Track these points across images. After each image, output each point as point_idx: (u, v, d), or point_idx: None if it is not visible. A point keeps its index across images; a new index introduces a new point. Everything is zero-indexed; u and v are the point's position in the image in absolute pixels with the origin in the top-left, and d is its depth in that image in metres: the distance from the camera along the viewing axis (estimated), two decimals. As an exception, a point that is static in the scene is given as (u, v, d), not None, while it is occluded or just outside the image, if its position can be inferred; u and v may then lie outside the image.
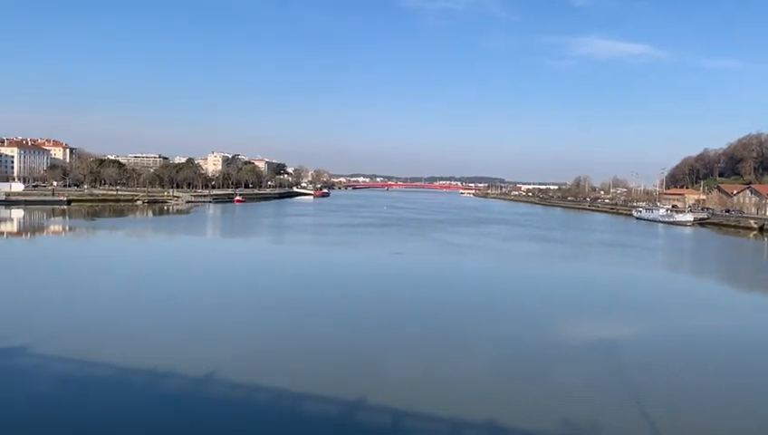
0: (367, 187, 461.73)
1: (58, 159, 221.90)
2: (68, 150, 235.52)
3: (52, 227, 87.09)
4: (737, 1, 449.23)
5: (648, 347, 28.32)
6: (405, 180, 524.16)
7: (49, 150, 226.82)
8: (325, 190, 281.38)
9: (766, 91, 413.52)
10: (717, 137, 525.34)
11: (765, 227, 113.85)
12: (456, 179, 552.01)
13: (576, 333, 30.50)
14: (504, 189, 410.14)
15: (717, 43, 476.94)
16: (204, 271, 48.69)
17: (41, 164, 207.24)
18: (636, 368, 24.39)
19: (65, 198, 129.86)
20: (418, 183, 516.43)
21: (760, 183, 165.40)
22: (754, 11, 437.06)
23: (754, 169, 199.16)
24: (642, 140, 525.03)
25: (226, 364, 22.12)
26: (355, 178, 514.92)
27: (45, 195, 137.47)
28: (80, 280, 41.73)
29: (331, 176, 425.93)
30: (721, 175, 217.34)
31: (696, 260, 74.72)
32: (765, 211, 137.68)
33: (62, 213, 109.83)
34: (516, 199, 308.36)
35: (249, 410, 18.71)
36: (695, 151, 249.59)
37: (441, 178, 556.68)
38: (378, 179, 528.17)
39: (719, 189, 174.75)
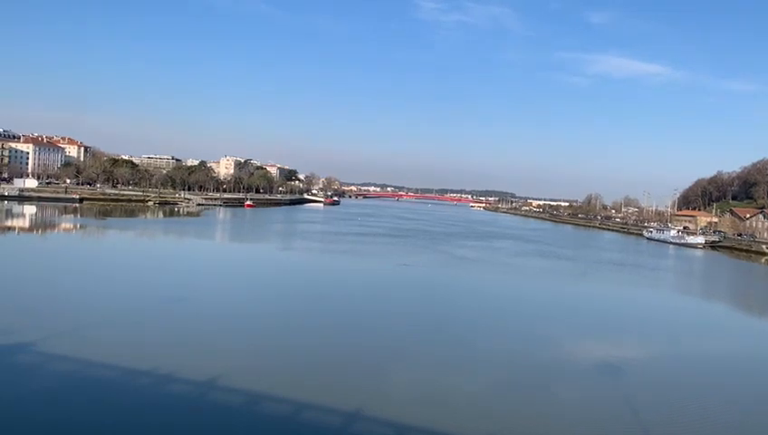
0: (377, 196, 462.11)
1: (72, 157, 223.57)
2: (82, 149, 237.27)
3: (62, 225, 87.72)
4: (754, 25, 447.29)
5: (654, 370, 28.01)
6: (416, 191, 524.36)
7: (64, 148, 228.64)
8: (335, 198, 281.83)
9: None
10: (731, 160, 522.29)
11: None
12: (466, 192, 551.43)
13: (582, 351, 30.24)
14: (514, 204, 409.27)
15: (734, 65, 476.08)
16: (211, 275, 48.82)
17: (55, 161, 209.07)
18: (642, 391, 24.12)
19: (78, 197, 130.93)
20: (429, 195, 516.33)
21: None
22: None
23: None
24: (655, 161, 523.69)
25: (230, 370, 22.08)
26: (366, 187, 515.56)
27: (58, 192, 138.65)
28: (87, 279, 41.91)
29: (341, 184, 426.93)
30: (734, 198, 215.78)
31: (706, 283, 74.05)
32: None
33: (74, 211, 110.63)
34: (527, 215, 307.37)
35: (250, 416, 18.64)
36: (708, 173, 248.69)
37: (452, 191, 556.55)
38: (388, 189, 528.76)
39: (732, 213, 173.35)
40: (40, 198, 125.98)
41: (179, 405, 19.28)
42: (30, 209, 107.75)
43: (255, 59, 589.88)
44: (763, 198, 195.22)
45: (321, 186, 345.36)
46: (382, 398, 21.13)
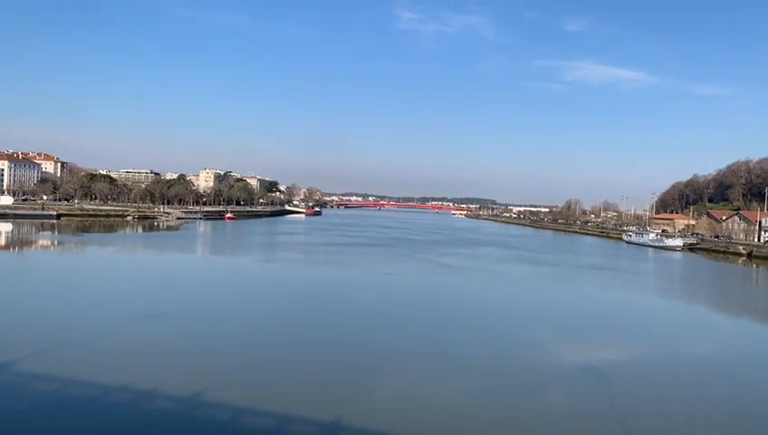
0: (359, 206, 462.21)
1: (49, 173, 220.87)
2: (59, 164, 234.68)
3: (39, 242, 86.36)
4: (728, 30, 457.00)
5: (638, 372, 28.24)
6: (397, 200, 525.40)
7: (40, 164, 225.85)
8: (317, 209, 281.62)
9: (754, 119, 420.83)
10: (707, 163, 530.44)
11: (754, 253, 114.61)
12: (448, 200, 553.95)
13: (566, 356, 30.37)
14: (495, 211, 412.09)
15: (708, 70, 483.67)
16: (191, 289, 48.34)
17: (31, 178, 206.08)
18: (626, 393, 24.31)
19: (55, 213, 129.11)
20: (411, 203, 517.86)
21: (748, 209, 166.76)
22: (744, 40, 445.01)
23: (743, 195, 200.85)
24: (633, 165, 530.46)
25: (213, 384, 21.78)
26: (347, 197, 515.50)
27: (35, 209, 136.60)
28: (64, 296, 41.23)
29: (323, 194, 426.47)
30: (710, 200, 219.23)
31: (686, 285, 74.96)
32: (754, 237, 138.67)
33: (51, 227, 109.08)
34: (508, 221, 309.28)
35: (235, 431, 18.43)
36: (684, 177, 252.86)
37: (433, 199, 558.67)
38: (370, 199, 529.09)
39: (708, 215, 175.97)
40: (16, 216, 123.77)
41: (162, 421, 18.95)
42: (6, 227, 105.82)
43: (235, 71, 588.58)
44: (739, 199, 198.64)
45: (302, 197, 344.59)
46: (368, 408, 21.00)
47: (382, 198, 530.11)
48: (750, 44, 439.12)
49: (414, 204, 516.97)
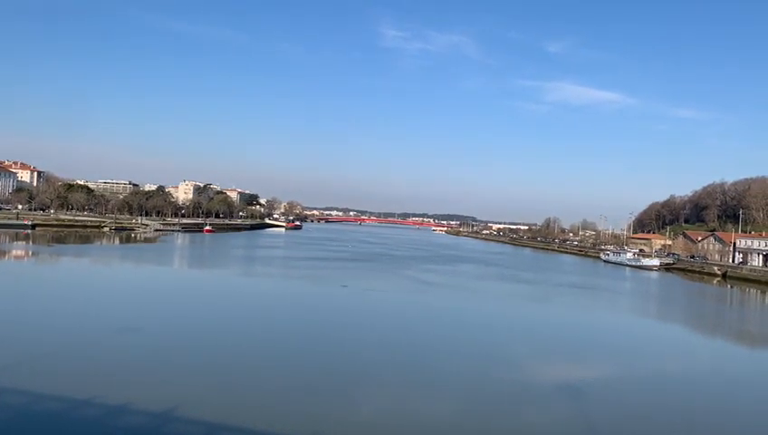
0: (340, 220, 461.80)
1: (25, 182, 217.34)
2: (35, 174, 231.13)
3: (12, 252, 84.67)
4: (703, 56, 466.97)
5: (614, 390, 28.27)
6: (378, 215, 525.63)
7: (16, 173, 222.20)
8: (297, 223, 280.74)
9: (730, 142, 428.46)
10: (683, 184, 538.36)
11: (728, 273, 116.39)
12: (428, 216, 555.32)
13: (545, 375, 30.37)
14: (475, 228, 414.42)
15: (686, 93, 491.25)
16: (167, 304, 47.62)
17: (6, 186, 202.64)
18: (602, 411, 24.37)
19: (30, 223, 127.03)
20: (392, 219, 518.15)
21: (723, 230, 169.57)
22: (719, 66, 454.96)
23: (718, 216, 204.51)
24: (611, 185, 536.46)
25: (187, 401, 21.35)
26: (328, 212, 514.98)
27: (9, 218, 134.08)
28: (36, 309, 40.27)
29: (303, 208, 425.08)
30: (686, 221, 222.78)
31: (663, 305, 75.69)
32: (728, 258, 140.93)
33: (26, 237, 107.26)
34: (487, 238, 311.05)
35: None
36: (662, 197, 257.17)
37: (414, 215, 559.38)
38: (351, 213, 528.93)
39: (684, 236, 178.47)
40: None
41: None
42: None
43: (217, 84, 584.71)
44: (714, 220, 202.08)
45: (282, 210, 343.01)
46: (346, 425, 20.74)
47: (363, 213, 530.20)
48: (727, 70, 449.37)
49: (395, 219, 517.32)
